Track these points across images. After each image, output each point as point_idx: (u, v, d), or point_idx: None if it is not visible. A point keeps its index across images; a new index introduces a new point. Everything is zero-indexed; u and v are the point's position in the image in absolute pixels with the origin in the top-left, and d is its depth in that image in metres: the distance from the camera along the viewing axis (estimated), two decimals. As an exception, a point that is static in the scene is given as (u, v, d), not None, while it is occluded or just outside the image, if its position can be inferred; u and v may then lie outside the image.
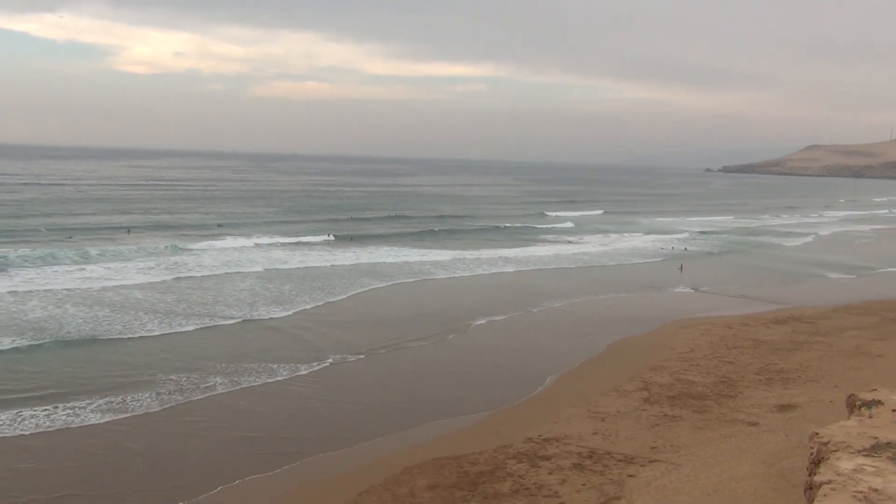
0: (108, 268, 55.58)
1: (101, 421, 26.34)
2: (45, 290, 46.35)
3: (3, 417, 25.99)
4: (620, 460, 23.98)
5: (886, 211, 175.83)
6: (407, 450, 25.01)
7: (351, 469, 23.47)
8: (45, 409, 26.81)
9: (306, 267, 60.70)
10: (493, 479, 22.48)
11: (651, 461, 23.90)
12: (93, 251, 61.74)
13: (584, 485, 22.17)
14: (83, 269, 54.72)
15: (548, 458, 24.04)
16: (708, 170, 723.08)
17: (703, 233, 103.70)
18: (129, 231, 78.84)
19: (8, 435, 24.74)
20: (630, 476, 22.77)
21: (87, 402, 27.74)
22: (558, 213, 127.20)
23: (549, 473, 22.92)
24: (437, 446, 25.24)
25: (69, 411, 26.89)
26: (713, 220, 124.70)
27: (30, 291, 45.93)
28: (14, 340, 34.91)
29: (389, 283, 55.04)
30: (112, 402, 27.78)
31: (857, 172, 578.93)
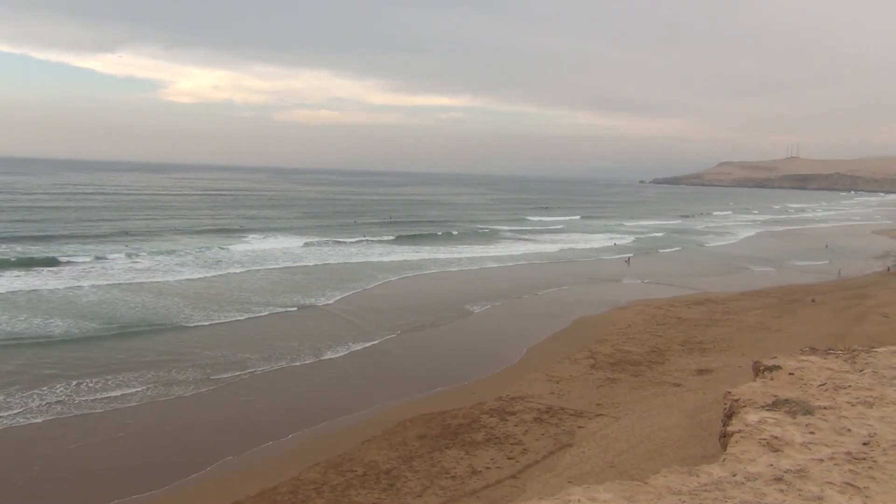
0: (166, 263, 54.21)
1: (210, 388, 26.29)
2: (129, 284, 45.16)
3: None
4: (572, 414, 24.04)
5: (785, 215, 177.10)
6: (401, 407, 24.98)
7: (356, 424, 23.41)
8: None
9: (336, 263, 59.96)
10: (470, 430, 22.50)
11: (596, 415, 23.98)
12: (148, 249, 61.15)
13: (542, 434, 22.23)
14: (157, 263, 53.70)
15: (514, 413, 24.07)
16: (642, 181, 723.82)
17: (642, 232, 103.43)
18: (175, 231, 78.22)
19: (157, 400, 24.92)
20: (580, 427, 22.85)
21: (208, 373, 27.80)
22: (541, 218, 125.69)
23: (515, 426, 22.96)
24: (425, 404, 25.21)
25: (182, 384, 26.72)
26: (652, 223, 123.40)
27: (115, 284, 44.94)
28: (113, 326, 34.27)
29: (406, 276, 53.89)
30: (210, 376, 27.58)
31: (761, 183, 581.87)
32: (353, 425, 23.23)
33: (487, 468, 19.76)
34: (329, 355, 31.14)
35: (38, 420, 22.41)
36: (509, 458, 20.42)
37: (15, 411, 22.93)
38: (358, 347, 32.59)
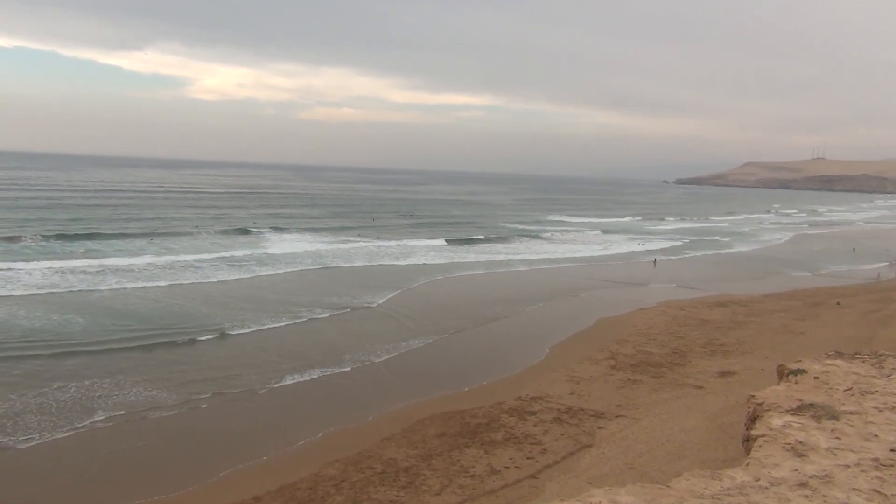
0: (197, 263, 53.88)
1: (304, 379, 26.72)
2: (216, 283, 45.65)
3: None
4: (592, 415, 23.91)
5: (815, 217, 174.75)
6: (420, 405, 24.99)
7: (376, 421, 23.46)
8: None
9: (365, 266, 60.09)
10: (490, 430, 22.45)
11: (616, 416, 23.83)
12: (178, 247, 61.48)
13: (562, 434, 22.13)
14: (193, 262, 53.51)
15: (533, 413, 23.99)
16: (664, 181, 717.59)
17: (668, 234, 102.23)
18: (196, 225, 78.79)
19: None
20: (599, 428, 22.72)
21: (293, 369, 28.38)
22: (564, 218, 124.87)
23: (535, 425, 22.88)
24: (445, 403, 25.20)
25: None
26: (677, 226, 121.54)
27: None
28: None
29: (436, 279, 53.15)
30: (320, 371, 28.31)
31: (785, 184, 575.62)
32: (373, 422, 23.29)
33: (506, 468, 19.71)
34: (373, 359, 30.88)
35: (108, 424, 22.59)
36: (528, 458, 20.35)
37: (85, 412, 23.15)
38: (389, 352, 32.32)
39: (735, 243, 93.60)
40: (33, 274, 44.98)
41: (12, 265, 47.00)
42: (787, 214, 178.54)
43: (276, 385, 26.64)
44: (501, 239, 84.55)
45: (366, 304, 41.83)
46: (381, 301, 42.82)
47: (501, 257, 67.67)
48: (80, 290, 41.15)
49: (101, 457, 19.96)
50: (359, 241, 72.74)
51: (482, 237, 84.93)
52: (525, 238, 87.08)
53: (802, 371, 11.09)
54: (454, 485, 18.58)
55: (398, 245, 71.50)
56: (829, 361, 11.66)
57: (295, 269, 53.57)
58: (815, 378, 10.77)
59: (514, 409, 24.41)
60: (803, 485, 7.09)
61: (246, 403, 24.74)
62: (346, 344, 32.74)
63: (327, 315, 38.57)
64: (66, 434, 21.15)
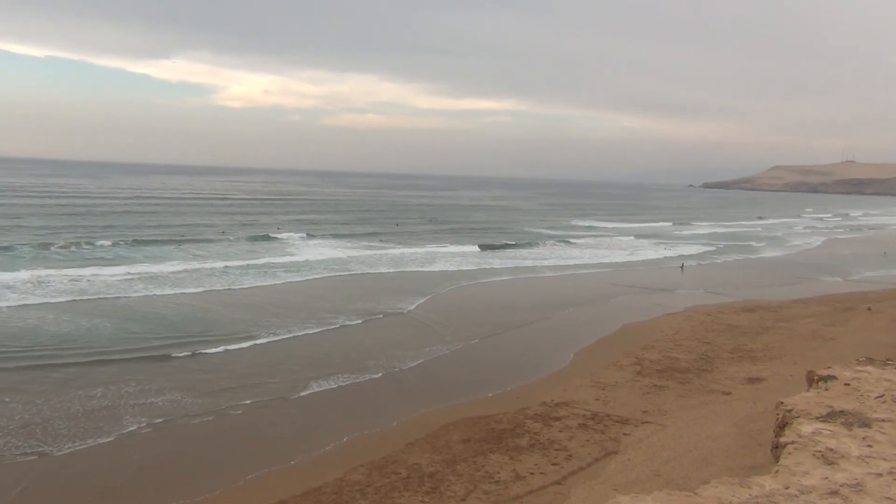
0: (230, 269, 54.37)
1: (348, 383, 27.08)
2: (212, 292, 45.72)
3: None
4: (617, 421, 23.72)
5: (848, 221, 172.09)
6: (445, 410, 24.96)
7: (400, 426, 23.48)
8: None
9: (387, 272, 60.18)
10: (514, 435, 22.36)
11: (642, 423, 23.61)
12: (206, 253, 62.11)
13: (587, 441, 21.98)
14: (226, 269, 54.03)
15: (558, 419, 23.86)
16: (690, 185, 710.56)
17: (696, 239, 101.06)
18: (223, 232, 79.58)
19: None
20: (625, 434, 22.53)
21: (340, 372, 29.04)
22: (591, 223, 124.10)
23: (560, 431, 22.75)
24: (469, 408, 25.16)
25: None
26: (704, 231, 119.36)
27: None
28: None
29: (463, 285, 52.92)
30: (347, 377, 28.61)
31: (814, 188, 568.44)
32: (397, 427, 23.31)
33: (531, 473, 19.60)
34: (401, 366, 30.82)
35: (139, 431, 22.86)
36: (554, 464, 20.23)
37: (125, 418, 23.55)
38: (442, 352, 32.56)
39: (766, 248, 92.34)
40: (63, 280, 45.64)
41: (43, 272, 47.80)
42: (820, 219, 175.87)
43: (304, 393, 26.62)
44: (528, 244, 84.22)
45: (398, 311, 41.87)
46: (411, 307, 42.80)
47: (528, 263, 67.37)
48: (108, 297, 41.62)
49: (132, 463, 20.15)
50: (386, 248, 72.90)
51: (511, 243, 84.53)
52: (552, 243, 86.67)
53: (833, 377, 10.91)
54: (479, 490, 18.53)
55: (425, 251, 71.41)
56: (860, 368, 11.47)
57: (322, 276, 53.82)
58: (846, 384, 10.60)
59: (539, 414, 24.30)
60: (834, 493, 6.97)
61: (275, 410, 24.83)
62: (377, 350, 32.78)
63: (360, 321, 38.63)
64: (99, 441, 21.34)
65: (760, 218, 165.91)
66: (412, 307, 42.97)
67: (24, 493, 18.09)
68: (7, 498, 17.82)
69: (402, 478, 19.22)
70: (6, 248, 57.71)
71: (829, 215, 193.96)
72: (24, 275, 46.29)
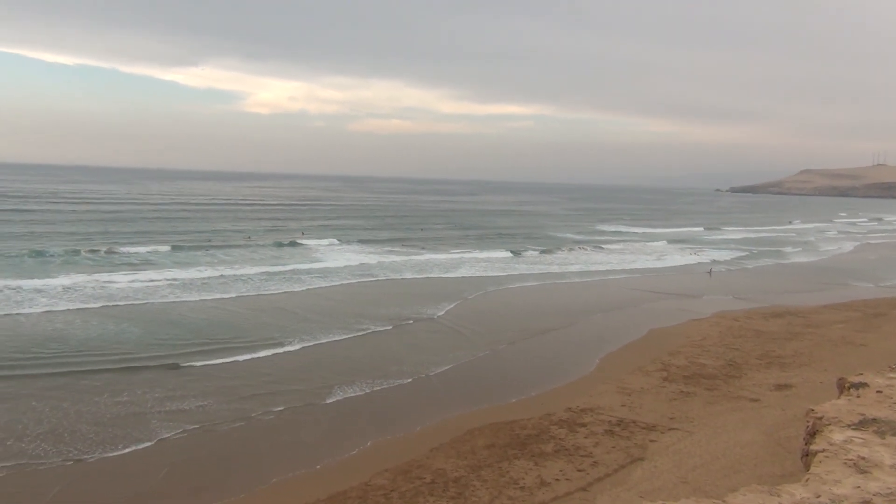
0: (259, 275, 55.20)
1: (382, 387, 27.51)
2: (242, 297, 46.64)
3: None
4: (644, 428, 23.50)
5: (882, 226, 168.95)
6: (470, 415, 24.92)
7: (425, 431, 23.48)
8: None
9: (412, 278, 60.13)
10: (539, 441, 22.26)
11: (669, 429, 23.38)
12: (233, 259, 62.56)
13: (613, 447, 21.80)
14: (254, 275, 54.35)
15: (584, 425, 23.70)
16: (717, 190, 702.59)
17: (724, 244, 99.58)
18: (249, 237, 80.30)
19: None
20: (651, 441, 22.32)
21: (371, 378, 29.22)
22: (617, 228, 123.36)
23: (585, 437, 22.60)
24: (494, 413, 25.08)
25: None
26: (733, 237, 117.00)
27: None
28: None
29: (490, 290, 52.64)
30: (376, 382, 28.73)
31: (844, 192, 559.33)
32: (422, 432, 23.31)
33: (557, 480, 19.49)
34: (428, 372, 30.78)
35: (170, 437, 23.21)
36: (579, 471, 20.09)
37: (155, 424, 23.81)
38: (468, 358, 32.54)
39: (796, 253, 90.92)
40: (92, 286, 46.33)
41: (73, 277, 48.52)
42: (853, 223, 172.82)
43: (332, 399, 26.60)
44: (554, 249, 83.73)
45: (427, 316, 41.87)
46: (440, 313, 42.76)
47: (555, 269, 66.94)
48: (136, 303, 42.03)
49: (162, 468, 20.34)
50: (411, 253, 72.89)
51: (539, 249, 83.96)
52: (578, 248, 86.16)
53: (864, 384, 10.72)
54: (503, 496, 18.45)
55: (451, 257, 71.27)
56: (892, 375, 11.26)
57: (350, 281, 53.92)
58: (878, 392, 10.40)
59: (564, 420, 24.16)
60: (867, 503, 6.84)
61: (303, 415, 24.89)
62: (406, 356, 32.79)
63: (390, 327, 38.62)
64: (129, 447, 21.53)
65: (791, 222, 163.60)
66: (441, 313, 42.92)
67: (58, 497, 18.36)
68: (40, 502, 18.10)
69: (426, 483, 19.21)
70: (38, 254, 58.81)
71: (864, 219, 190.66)
72: (54, 280, 47.08)
